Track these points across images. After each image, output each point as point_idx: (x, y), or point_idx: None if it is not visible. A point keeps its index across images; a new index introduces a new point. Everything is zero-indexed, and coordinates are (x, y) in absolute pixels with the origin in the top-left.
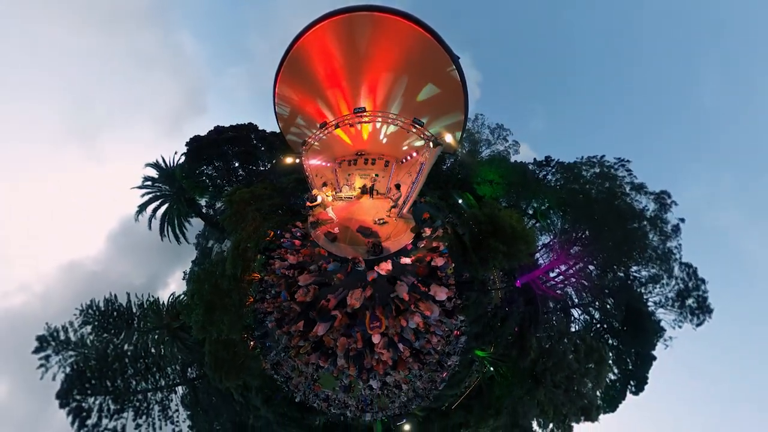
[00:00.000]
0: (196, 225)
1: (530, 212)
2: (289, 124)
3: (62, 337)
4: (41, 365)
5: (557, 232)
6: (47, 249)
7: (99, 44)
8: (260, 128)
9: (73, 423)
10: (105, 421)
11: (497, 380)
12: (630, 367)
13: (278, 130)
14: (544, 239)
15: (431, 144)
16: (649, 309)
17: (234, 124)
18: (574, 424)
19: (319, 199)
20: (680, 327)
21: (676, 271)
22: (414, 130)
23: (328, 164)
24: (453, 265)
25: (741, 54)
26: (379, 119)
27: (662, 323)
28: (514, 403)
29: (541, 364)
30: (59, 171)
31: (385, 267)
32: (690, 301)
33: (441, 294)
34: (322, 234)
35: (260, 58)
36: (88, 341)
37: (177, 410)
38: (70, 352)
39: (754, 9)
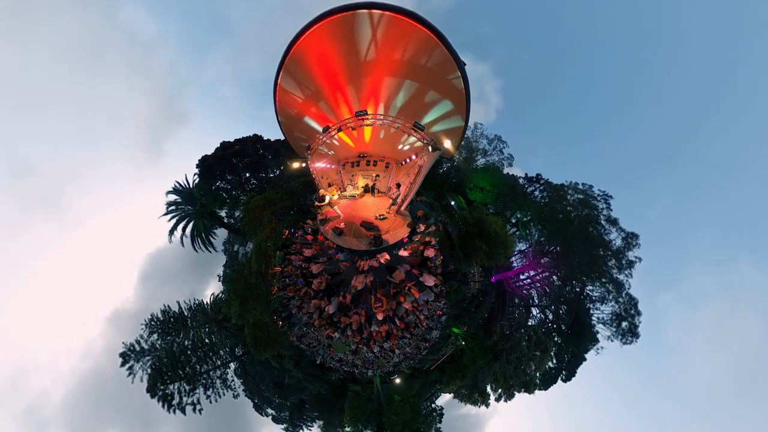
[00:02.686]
0: (221, 234)
1: (513, 221)
2: (293, 129)
3: (138, 348)
4: (129, 374)
5: (533, 243)
6: (84, 316)
7: (17, 66)
8: (261, 134)
9: (163, 406)
10: (185, 399)
11: (466, 352)
12: (565, 361)
13: (281, 136)
14: (521, 246)
15: (430, 148)
16: (592, 322)
17: (235, 136)
18: (516, 393)
19: (326, 199)
20: (612, 341)
21: (621, 298)
22: (414, 134)
23: (333, 166)
24: (441, 257)
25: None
26: (380, 122)
27: (598, 335)
28: (476, 370)
29: (500, 345)
30: (39, 258)
31: (384, 257)
32: (624, 324)
33: (429, 281)
34: (330, 229)
35: (244, 33)
36: (157, 345)
37: (233, 380)
38: (147, 357)
39: None
